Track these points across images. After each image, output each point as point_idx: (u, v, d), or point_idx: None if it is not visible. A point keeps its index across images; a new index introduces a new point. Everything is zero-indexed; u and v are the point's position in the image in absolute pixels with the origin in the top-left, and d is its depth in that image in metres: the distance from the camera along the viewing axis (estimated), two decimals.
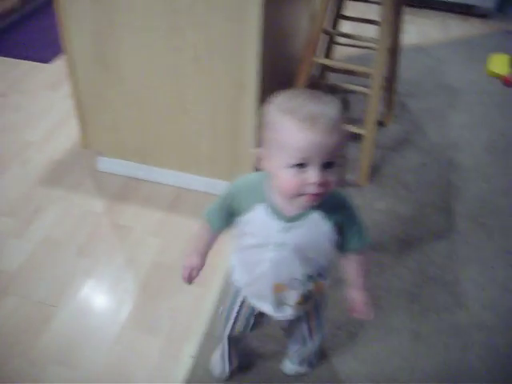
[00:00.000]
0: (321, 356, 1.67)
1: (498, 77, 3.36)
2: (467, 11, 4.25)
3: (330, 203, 1.13)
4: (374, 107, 2.18)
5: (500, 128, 2.89)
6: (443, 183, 2.44)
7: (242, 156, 2.13)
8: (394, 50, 2.60)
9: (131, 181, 2.34)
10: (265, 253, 1.20)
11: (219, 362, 1.60)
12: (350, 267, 1.29)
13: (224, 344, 1.53)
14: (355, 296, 1.31)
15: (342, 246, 1.23)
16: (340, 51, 3.13)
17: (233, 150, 2.12)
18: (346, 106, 2.91)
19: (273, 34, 2.08)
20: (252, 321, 1.43)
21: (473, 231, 2.22)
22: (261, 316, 1.40)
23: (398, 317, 1.84)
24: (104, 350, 1.70)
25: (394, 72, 2.65)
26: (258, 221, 1.17)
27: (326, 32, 2.42)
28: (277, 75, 2.29)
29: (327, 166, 1.02)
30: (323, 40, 2.63)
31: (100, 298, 1.90)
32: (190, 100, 2.04)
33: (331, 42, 2.70)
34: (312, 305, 1.37)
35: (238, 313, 1.42)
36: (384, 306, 1.87)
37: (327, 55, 2.81)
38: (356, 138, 2.34)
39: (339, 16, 2.66)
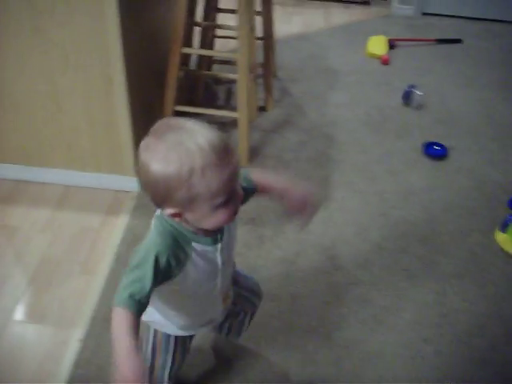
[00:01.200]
0: None
1: (376, 57, 3.57)
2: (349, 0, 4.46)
3: None
4: (242, 91, 2.30)
5: (375, 103, 3.08)
6: (322, 158, 2.60)
7: (122, 147, 2.21)
8: (267, 39, 2.75)
9: (20, 184, 2.37)
10: (213, 280, 1.19)
11: None
12: (264, 186, 1.25)
13: None
14: (285, 188, 1.26)
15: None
16: (228, 44, 3.23)
17: (112, 142, 2.20)
18: (229, 95, 3.04)
19: (139, 28, 2.18)
20: (186, 351, 1.38)
21: (349, 198, 2.38)
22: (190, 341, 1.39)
23: (278, 282, 1.97)
24: None
25: (269, 59, 2.80)
26: (200, 260, 1.12)
27: (196, 24, 2.53)
28: (150, 68, 2.39)
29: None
30: (204, 34, 2.75)
31: None
32: (64, 98, 2.11)
33: (209, 35, 2.80)
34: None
35: (174, 355, 1.33)
36: (263, 273, 1.99)
37: (208, 48, 2.91)
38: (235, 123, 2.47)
39: (213, 9, 2.78)
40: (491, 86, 3.36)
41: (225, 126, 2.74)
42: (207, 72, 2.90)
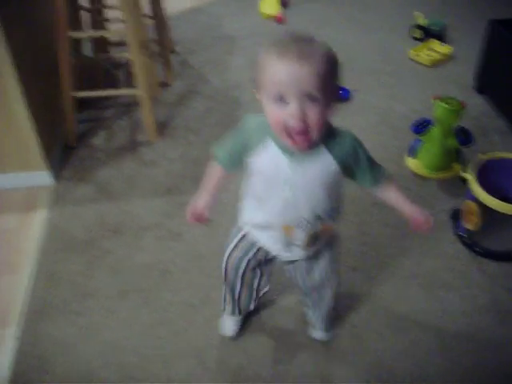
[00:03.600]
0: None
1: (270, 17, 3.61)
2: None
3: (336, 140, 1.18)
4: (138, 68, 2.29)
5: None
6: (230, 120, 2.62)
7: (27, 143, 2.16)
8: (157, 15, 2.74)
9: None
10: (275, 191, 1.23)
11: (228, 308, 1.63)
12: (389, 197, 1.35)
13: (228, 282, 1.53)
14: (410, 212, 1.35)
15: (366, 181, 1.29)
16: None
17: (15, 139, 2.15)
18: (129, 76, 3.02)
19: (23, 19, 2.13)
20: (250, 255, 1.44)
21: None
22: (266, 264, 1.48)
23: (203, 243, 2.00)
24: None
25: (163, 34, 2.80)
26: (267, 157, 1.19)
27: (81, 8, 2.50)
28: (43, 58, 2.34)
29: (309, 99, 1.05)
30: (93, 17, 2.71)
31: None
32: None
33: (97, 18, 2.77)
34: (322, 247, 1.40)
35: (237, 243, 1.45)
36: (188, 237, 2.01)
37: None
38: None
39: None
40: (383, 27, 3.49)
41: (130, 106, 2.73)
42: (102, 55, 2.87)
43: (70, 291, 1.84)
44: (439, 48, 3.16)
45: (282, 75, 1.04)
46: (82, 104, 2.57)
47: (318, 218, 1.28)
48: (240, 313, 1.65)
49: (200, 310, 1.76)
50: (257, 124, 1.21)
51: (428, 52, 3.14)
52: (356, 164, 1.24)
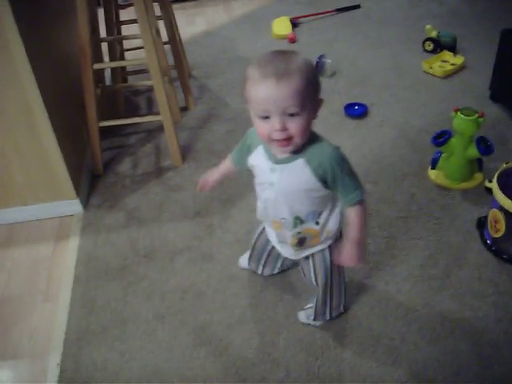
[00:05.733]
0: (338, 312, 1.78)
1: (282, 38, 3.67)
2: None
3: (317, 154, 1.30)
4: (160, 94, 2.35)
5: None
6: None
7: (57, 173, 2.22)
8: (173, 41, 2.81)
9: None
10: (263, 191, 1.41)
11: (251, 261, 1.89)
12: (348, 219, 1.41)
13: (255, 255, 1.83)
14: (344, 246, 1.43)
15: (341, 200, 1.40)
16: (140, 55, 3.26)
17: (45, 171, 2.21)
18: (149, 103, 3.09)
19: (48, 53, 2.20)
20: (268, 248, 1.74)
21: None
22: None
23: (235, 263, 2.03)
24: None
25: (181, 60, 2.86)
26: (257, 161, 1.39)
27: (102, 40, 2.57)
28: (67, 91, 2.41)
29: (290, 115, 1.19)
30: (111, 48, 2.78)
31: None
32: None
33: (117, 48, 2.84)
34: (313, 249, 1.53)
35: (262, 231, 1.71)
36: (221, 258, 2.05)
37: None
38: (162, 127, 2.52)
39: (115, 22, 2.82)
40: (394, 42, 3.53)
41: (152, 132, 2.79)
42: (123, 84, 2.94)
43: (108, 317, 1.88)
44: (452, 59, 3.20)
45: (263, 96, 1.18)
46: (105, 132, 2.62)
47: (298, 219, 1.42)
48: (262, 272, 1.89)
49: (237, 330, 1.79)
50: (255, 132, 1.33)
51: (441, 64, 3.18)
52: (333, 182, 1.33)
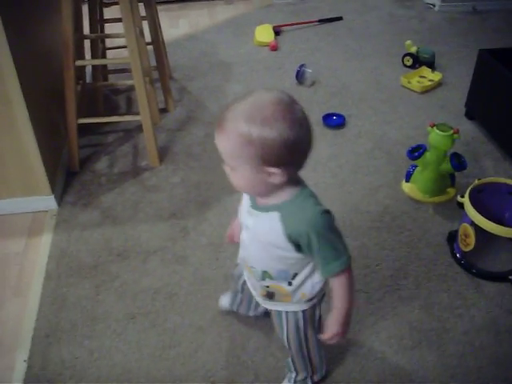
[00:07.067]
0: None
1: (264, 45, 3.70)
2: None
3: (296, 214, 1.14)
4: (141, 94, 2.35)
5: (271, 86, 3.17)
6: None
7: (33, 168, 2.21)
8: (156, 42, 2.81)
9: None
10: (242, 230, 1.32)
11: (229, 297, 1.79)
12: (332, 289, 1.25)
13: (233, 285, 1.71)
14: (328, 322, 1.28)
15: (318, 269, 1.24)
16: (121, 54, 3.27)
17: (21, 165, 2.19)
18: (129, 102, 3.09)
19: (29, 46, 2.19)
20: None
21: None
22: None
23: (209, 266, 2.04)
24: None
25: (162, 61, 2.87)
26: (244, 199, 1.29)
27: (85, 37, 2.56)
28: (47, 86, 2.40)
29: (229, 167, 1.13)
30: (94, 46, 2.78)
31: None
32: None
33: (99, 46, 2.83)
34: (285, 306, 1.37)
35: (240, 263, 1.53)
36: (193, 261, 2.06)
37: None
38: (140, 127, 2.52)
39: (98, 20, 2.81)
40: (375, 55, 3.59)
41: (130, 131, 2.79)
42: (104, 82, 2.94)
43: (79, 315, 1.87)
44: (430, 75, 3.26)
45: (219, 148, 1.12)
46: (83, 129, 2.61)
47: (267, 274, 1.29)
48: (237, 310, 1.77)
49: (208, 332, 1.80)
50: None
51: (419, 79, 3.24)
52: (308, 249, 1.17)
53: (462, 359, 1.71)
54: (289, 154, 1.09)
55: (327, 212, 1.16)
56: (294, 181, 1.18)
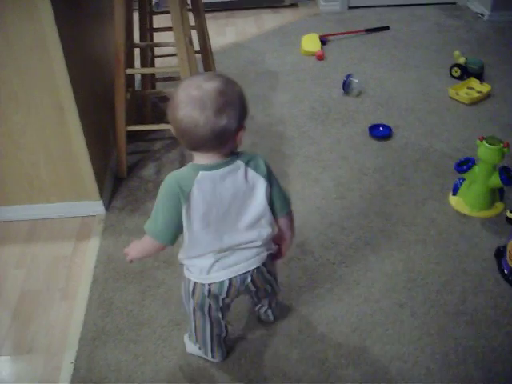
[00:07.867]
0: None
1: (310, 54, 3.71)
2: (277, 4, 4.60)
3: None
4: None
5: (318, 97, 3.22)
6: (276, 155, 2.70)
7: (82, 174, 2.26)
8: (204, 50, 2.85)
9: None
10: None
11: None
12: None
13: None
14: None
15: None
16: (169, 63, 3.34)
17: (72, 170, 2.25)
18: None
19: (82, 55, 2.25)
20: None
21: (308, 188, 2.49)
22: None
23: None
24: None
25: (210, 70, 2.89)
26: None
27: (135, 45, 2.61)
28: (97, 93, 2.46)
29: None
30: (143, 54, 2.83)
31: None
32: (20, 135, 2.14)
33: (148, 55, 2.88)
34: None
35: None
36: None
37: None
38: None
39: (148, 29, 2.86)
40: (422, 65, 3.55)
41: (176, 139, 2.81)
42: (152, 90, 2.99)
43: (125, 319, 1.91)
44: (478, 87, 3.21)
45: None
46: (131, 136, 2.66)
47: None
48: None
49: (250, 341, 1.81)
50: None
51: (467, 90, 3.19)
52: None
53: (509, 380, 1.67)
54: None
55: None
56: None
